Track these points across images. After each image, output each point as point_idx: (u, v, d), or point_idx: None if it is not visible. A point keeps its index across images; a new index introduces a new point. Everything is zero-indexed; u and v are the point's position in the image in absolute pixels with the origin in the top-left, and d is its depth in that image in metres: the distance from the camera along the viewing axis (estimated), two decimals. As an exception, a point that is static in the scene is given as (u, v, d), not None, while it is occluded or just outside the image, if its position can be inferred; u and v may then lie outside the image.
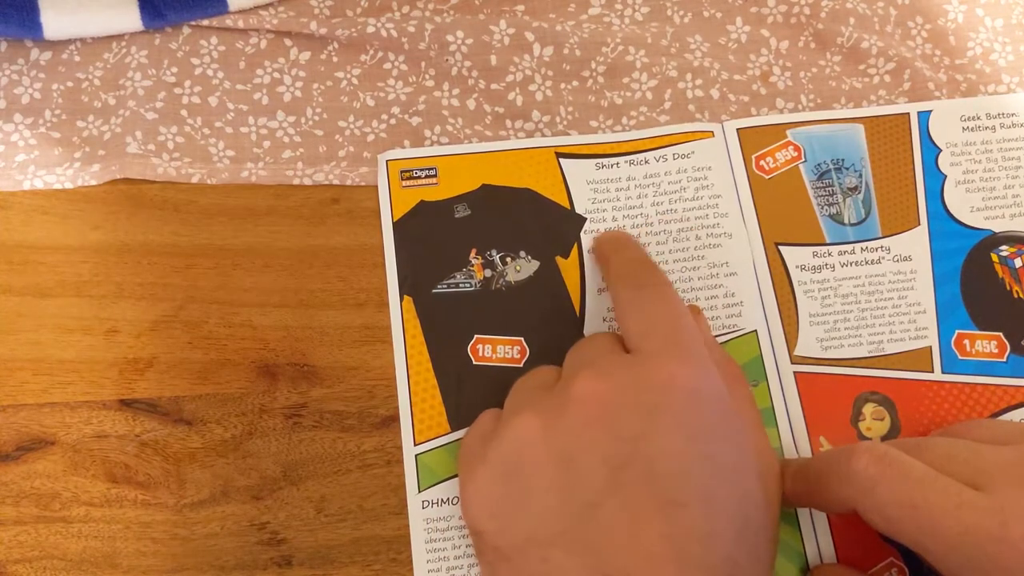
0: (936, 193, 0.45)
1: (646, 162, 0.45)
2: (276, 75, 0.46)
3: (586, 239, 0.43)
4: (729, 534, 0.33)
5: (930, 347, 0.42)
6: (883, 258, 0.44)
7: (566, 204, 0.44)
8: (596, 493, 0.33)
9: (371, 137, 0.45)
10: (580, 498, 0.34)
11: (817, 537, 0.39)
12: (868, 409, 0.41)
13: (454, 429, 0.41)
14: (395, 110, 0.46)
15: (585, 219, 0.44)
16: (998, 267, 0.44)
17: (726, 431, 0.35)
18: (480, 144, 0.45)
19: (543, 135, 0.46)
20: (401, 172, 0.44)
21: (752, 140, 0.45)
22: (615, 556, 0.33)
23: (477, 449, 0.37)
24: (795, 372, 0.42)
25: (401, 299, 0.42)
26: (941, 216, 0.44)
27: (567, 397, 0.35)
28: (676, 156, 0.45)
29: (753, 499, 0.34)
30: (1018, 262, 0.44)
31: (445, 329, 0.42)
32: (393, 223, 0.43)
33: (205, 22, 0.46)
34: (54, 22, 0.44)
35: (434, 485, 0.40)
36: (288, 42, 0.47)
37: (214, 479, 0.40)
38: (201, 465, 0.40)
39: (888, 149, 0.45)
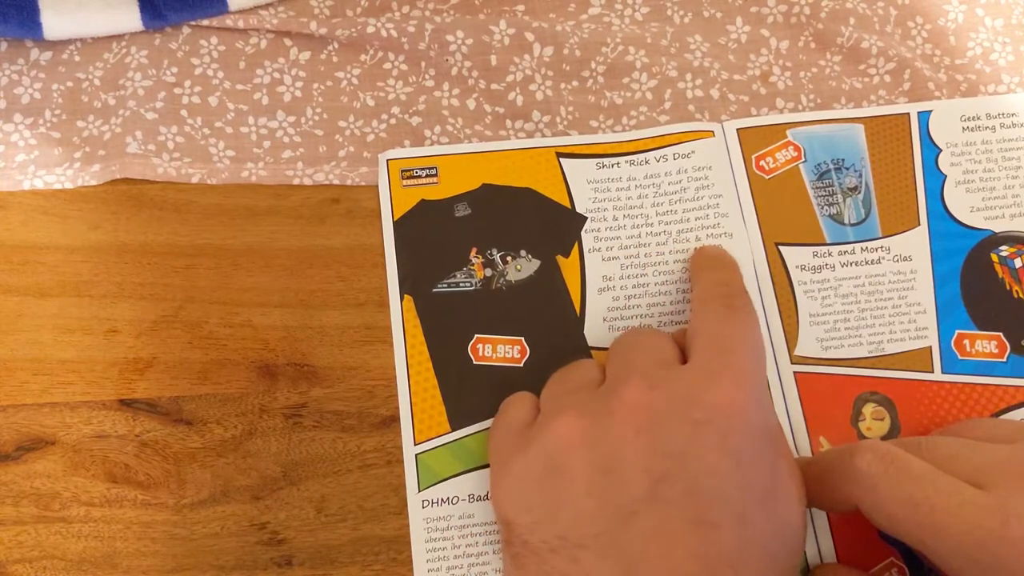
0: (936, 193, 0.45)
1: (647, 162, 0.45)
2: (276, 75, 0.46)
3: (587, 238, 0.43)
4: (762, 561, 0.33)
5: (930, 347, 0.42)
6: (883, 258, 0.44)
7: (567, 204, 0.44)
8: (634, 502, 0.33)
9: (371, 137, 0.45)
10: (618, 505, 0.33)
11: (817, 537, 0.39)
12: (868, 409, 0.41)
13: (454, 429, 0.40)
14: (395, 110, 0.46)
15: (586, 218, 0.44)
16: (998, 267, 0.44)
17: (768, 457, 0.35)
18: (481, 144, 0.45)
19: (543, 135, 0.46)
20: (402, 171, 0.44)
21: (752, 140, 0.45)
22: (645, 568, 0.33)
23: (513, 439, 0.37)
24: (795, 372, 0.42)
25: (401, 299, 0.42)
26: (941, 216, 0.44)
27: (615, 403, 0.35)
28: (677, 156, 0.45)
29: (793, 527, 0.35)
30: (1018, 262, 0.44)
31: (445, 329, 0.42)
32: (393, 222, 0.43)
33: (205, 22, 0.46)
34: (54, 22, 0.44)
35: (434, 485, 0.40)
36: (288, 42, 0.47)
37: (214, 479, 0.40)
38: (201, 465, 0.40)
39: (888, 149, 0.45)
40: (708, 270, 0.41)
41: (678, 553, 0.32)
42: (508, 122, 0.46)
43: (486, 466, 0.39)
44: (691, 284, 0.42)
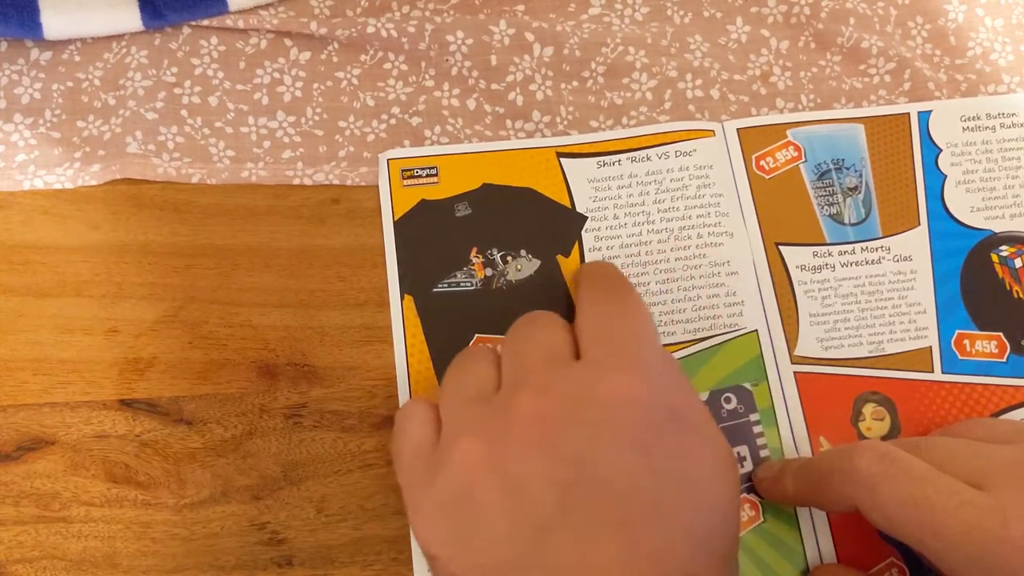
0: (936, 193, 0.45)
1: (648, 159, 0.45)
2: (276, 75, 0.46)
3: (587, 237, 0.43)
4: (685, 548, 0.32)
5: (930, 347, 0.42)
6: (883, 258, 0.44)
7: (567, 203, 0.44)
8: (547, 517, 0.33)
9: (371, 137, 0.45)
10: (531, 523, 0.33)
11: (817, 537, 0.39)
12: (868, 409, 0.41)
13: (454, 429, 0.40)
14: (395, 110, 0.46)
15: (586, 218, 0.44)
16: (998, 267, 0.44)
17: (677, 441, 0.34)
18: (481, 144, 0.45)
19: (543, 135, 0.46)
20: (402, 171, 0.44)
21: (752, 140, 0.45)
22: None
23: (420, 468, 0.36)
24: (795, 372, 0.42)
25: (402, 298, 0.42)
26: (941, 216, 0.44)
27: (509, 417, 0.34)
28: (678, 154, 0.45)
29: (718, 509, 0.34)
30: (1018, 262, 0.44)
31: (446, 328, 0.42)
32: (394, 222, 0.44)
33: (205, 22, 0.46)
34: (54, 22, 0.44)
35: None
36: (288, 42, 0.47)
37: (214, 479, 0.40)
38: (201, 465, 0.40)
39: (888, 149, 0.46)
40: (585, 269, 0.41)
41: (600, 559, 0.32)
42: (508, 122, 0.46)
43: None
44: (573, 292, 0.42)
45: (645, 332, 0.37)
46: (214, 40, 0.46)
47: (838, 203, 0.44)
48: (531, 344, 0.37)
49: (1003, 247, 0.44)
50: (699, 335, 0.42)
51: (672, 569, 0.32)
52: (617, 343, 0.36)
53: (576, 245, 0.43)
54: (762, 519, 0.40)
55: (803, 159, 0.45)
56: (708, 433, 0.35)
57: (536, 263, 0.43)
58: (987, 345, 0.43)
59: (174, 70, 0.45)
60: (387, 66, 0.47)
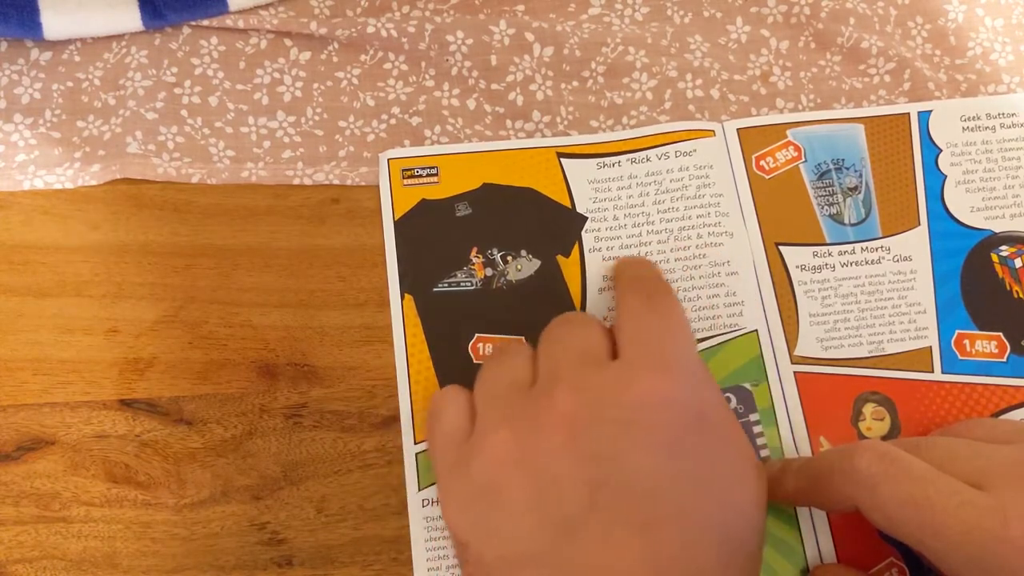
0: (936, 193, 0.45)
1: (648, 160, 0.45)
2: (276, 75, 0.46)
3: (587, 238, 0.43)
4: (709, 551, 0.33)
5: (930, 347, 0.42)
6: (883, 258, 0.44)
7: (567, 204, 0.44)
8: (573, 516, 0.33)
9: (371, 137, 0.45)
10: (557, 521, 0.33)
11: (817, 537, 0.39)
12: (868, 409, 0.41)
13: (455, 429, 0.40)
14: (395, 110, 0.46)
15: (586, 218, 0.44)
16: (998, 267, 0.44)
17: (702, 443, 0.34)
18: (481, 143, 0.45)
19: (543, 135, 0.46)
20: (402, 171, 0.44)
21: (752, 140, 0.45)
22: None
23: (453, 455, 0.36)
24: (795, 372, 0.42)
25: (402, 298, 0.42)
26: (941, 216, 0.44)
27: (543, 413, 0.35)
28: (678, 154, 0.45)
29: (740, 511, 0.34)
30: (1018, 262, 0.44)
31: (446, 328, 0.42)
32: (394, 222, 0.43)
33: (205, 22, 0.46)
34: (54, 22, 0.44)
35: (434, 484, 0.40)
36: (288, 42, 0.47)
37: (214, 479, 0.40)
38: (201, 465, 0.40)
39: (888, 149, 0.46)
40: (624, 269, 0.41)
41: (626, 561, 0.32)
42: (508, 122, 0.46)
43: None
44: (614, 289, 0.42)
45: (680, 334, 0.37)
46: (214, 40, 0.46)
47: (838, 203, 0.44)
48: (566, 343, 0.37)
49: (1003, 247, 0.44)
50: (699, 335, 0.42)
51: (695, 570, 0.32)
52: (651, 344, 0.36)
53: (576, 245, 0.43)
54: (762, 519, 0.40)
55: (803, 159, 0.45)
56: (733, 436, 0.36)
57: (536, 263, 0.43)
58: (987, 345, 0.43)
59: (174, 70, 0.45)
60: (387, 66, 0.47)
